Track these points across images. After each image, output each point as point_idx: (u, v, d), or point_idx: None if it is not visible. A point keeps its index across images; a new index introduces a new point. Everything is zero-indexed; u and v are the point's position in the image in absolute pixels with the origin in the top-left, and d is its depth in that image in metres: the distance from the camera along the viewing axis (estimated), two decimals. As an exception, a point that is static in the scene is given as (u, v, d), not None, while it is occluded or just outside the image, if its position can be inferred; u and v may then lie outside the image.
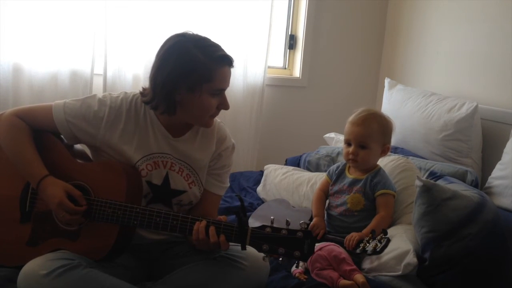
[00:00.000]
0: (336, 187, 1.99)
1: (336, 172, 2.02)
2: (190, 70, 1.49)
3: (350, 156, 1.92)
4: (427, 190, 1.69)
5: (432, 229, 1.68)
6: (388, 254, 1.69)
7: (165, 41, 1.57)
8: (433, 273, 1.67)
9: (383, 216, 1.84)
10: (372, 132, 1.90)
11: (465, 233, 1.65)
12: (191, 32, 1.57)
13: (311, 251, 1.39)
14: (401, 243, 1.72)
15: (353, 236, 1.68)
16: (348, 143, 1.94)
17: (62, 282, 1.39)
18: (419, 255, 1.68)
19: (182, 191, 1.65)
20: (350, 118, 1.96)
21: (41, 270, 1.39)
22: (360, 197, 1.90)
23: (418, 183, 1.72)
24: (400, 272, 1.64)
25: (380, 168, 1.96)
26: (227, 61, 1.54)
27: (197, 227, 1.45)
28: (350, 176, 1.97)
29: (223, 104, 1.59)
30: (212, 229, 1.44)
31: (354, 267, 1.68)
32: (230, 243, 1.52)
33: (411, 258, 1.64)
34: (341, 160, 2.31)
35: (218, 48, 1.55)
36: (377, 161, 1.98)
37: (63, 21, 2.70)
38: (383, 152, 1.95)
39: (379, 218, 1.84)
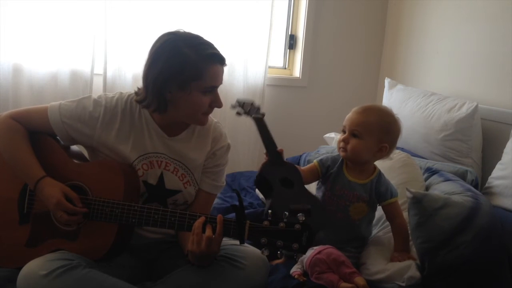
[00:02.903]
0: (334, 189, 1.85)
1: (331, 166, 1.88)
2: (180, 68, 1.49)
3: (341, 144, 1.80)
4: (418, 202, 1.67)
5: (426, 239, 1.66)
6: (390, 269, 1.66)
7: (156, 39, 1.56)
8: (434, 281, 1.66)
9: (403, 224, 1.81)
10: (369, 123, 1.77)
11: (459, 241, 1.63)
12: (182, 30, 1.56)
13: (310, 243, 1.39)
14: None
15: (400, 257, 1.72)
16: (343, 130, 1.83)
17: (62, 283, 1.38)
18: (419, 266, 1.67)
19: (177, 190, 1.64)
20: (354, 108, 1.86)
21: (41, 271, 1.39)
22: (364, 206, 1.83)
23: (408, 194, 1.70)
24: (403, 284, 1.62)
25: (380, 171, 1.87)
26: (218, 59, 1.53)
27: (196, 223, 1.43)
28: (350, 178, 1.84)
29: (216, 102, 1.58)
30: (209, 225, 1.43)
31: (354, 269, 1.67)
32: (230, 242, 1.52)
33: (414, 272, 1.63)
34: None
35: (209, 46, 1.53)
36: (369, 158, 1.82)
37: (63, 21, 2.70)
38: (380, 152, 1.79)
39: (403, 228, 1.81)
